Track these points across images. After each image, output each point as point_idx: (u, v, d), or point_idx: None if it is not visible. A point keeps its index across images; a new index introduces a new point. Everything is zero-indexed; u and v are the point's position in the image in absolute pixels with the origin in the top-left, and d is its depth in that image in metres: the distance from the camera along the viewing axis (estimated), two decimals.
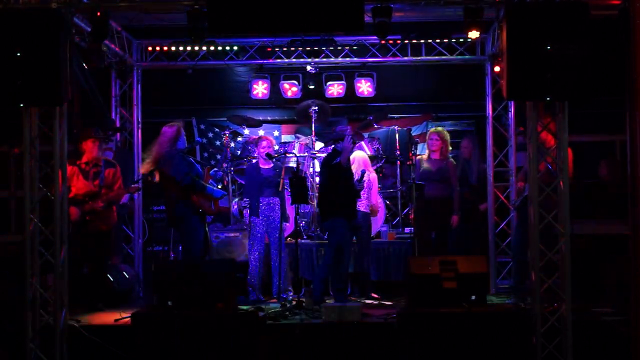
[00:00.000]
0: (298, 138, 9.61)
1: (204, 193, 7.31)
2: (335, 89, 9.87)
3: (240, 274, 8.07)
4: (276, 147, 8.98)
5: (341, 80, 9.87)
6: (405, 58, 9.26)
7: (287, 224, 8.40)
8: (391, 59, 9.31)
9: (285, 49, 9.31)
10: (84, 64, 8.18)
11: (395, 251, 8.48)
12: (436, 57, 9.21)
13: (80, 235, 7.45)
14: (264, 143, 8.18)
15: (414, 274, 6.50)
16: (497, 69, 8.63)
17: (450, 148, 8.43)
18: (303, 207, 8.67)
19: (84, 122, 8.66)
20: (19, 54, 6.04)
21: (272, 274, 8.00)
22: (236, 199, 9.18)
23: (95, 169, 7.60)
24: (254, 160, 8.41)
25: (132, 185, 7.81)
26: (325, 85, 9.86)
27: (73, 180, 7.48)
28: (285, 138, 10.46)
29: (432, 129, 8.33)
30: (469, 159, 8.83)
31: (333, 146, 7.72)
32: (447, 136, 8.18)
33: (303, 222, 8.84)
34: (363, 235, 8.02)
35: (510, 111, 8.82)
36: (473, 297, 6.37)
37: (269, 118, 10.78)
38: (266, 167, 8.07)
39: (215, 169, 8.05)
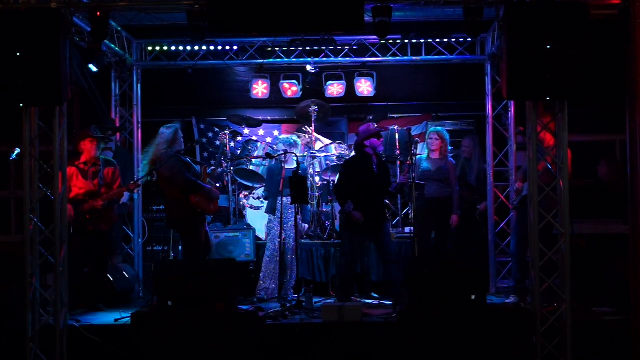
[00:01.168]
0: (299, 138, 9.58)
1: (203, 193, 7.32)
2: (335, 88, 9.85)
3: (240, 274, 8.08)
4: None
5: (341, 80, 9.85)
6: (405, 58, 9.26)
7: (306, 225, 8.44)
8: (391, 58, 9.31)
9: (285, 48, 9.32)
10: (84, 64, 8.18)
11: (395, 251, 8.47)
12: (436, 57, 9.21)
13: (81, 234, 7.46)
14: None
15: (414, 274, 6.50)
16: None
17: (451, 148, 8.42)
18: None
19: (83, 121, 8.66)
20: (19, 54, 6.05)
21: (285, 272, 8.02)
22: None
23: (94, 169, 7.60)
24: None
25: (131, 183, 7.82)
26: (325, 85, 9.85)
27: (73, 180, 7.48)
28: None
29: (432, 129, 8.34)
30: (470, 159, 8.82)
31: (355, 151, 7.66)
32: (447, 136, 8.19)
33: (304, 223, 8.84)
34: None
35: (510, 111, 8.82)
36: (473, 297, 6.37)
37: (269, 118, 10.78)
38: (288, 167, 8.09)
39: (213, 167, 8.07)
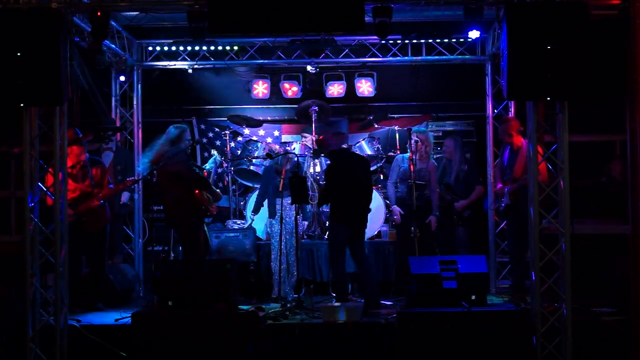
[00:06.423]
0: (305, 138, 9.58)
1: (208, 190, 7.33)
2: (335, 88, 9.86)
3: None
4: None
5: (341, 80, 9.86)
6: (405, 58, 9.27)
7: (306, 222, 8.40)
8: (391, 59, 9.31)
9: (285, 48, 9.31)
10: (84, 64, 8.18)
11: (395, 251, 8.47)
12: (436, 57, 9.22)
13: (76, 235, 7.41)
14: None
15: (414, 274, 6.51)
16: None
17: (439, 148, 8.41)
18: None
19: (83, 121, 8.65)
20: (19, 54, 6.05)
21: (286, 272, 8.02)
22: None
23: (82, 171, 7.58)
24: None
25: (128, 179, 7.81)
26: (326, 85, 9.86)
27: None
28: (285, 138, 10.45)
29: (415, 129, 8.30)
30: (450, 160, 8.76)
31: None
32: (431, 138, 8.17)
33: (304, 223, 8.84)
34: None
35: (510, 111, 8.82)
36: (473, 297, 6.37)
37: (269, 118, 10.77)
38: (285, 168, 8.10)
39: (214, 157, 8.07)
